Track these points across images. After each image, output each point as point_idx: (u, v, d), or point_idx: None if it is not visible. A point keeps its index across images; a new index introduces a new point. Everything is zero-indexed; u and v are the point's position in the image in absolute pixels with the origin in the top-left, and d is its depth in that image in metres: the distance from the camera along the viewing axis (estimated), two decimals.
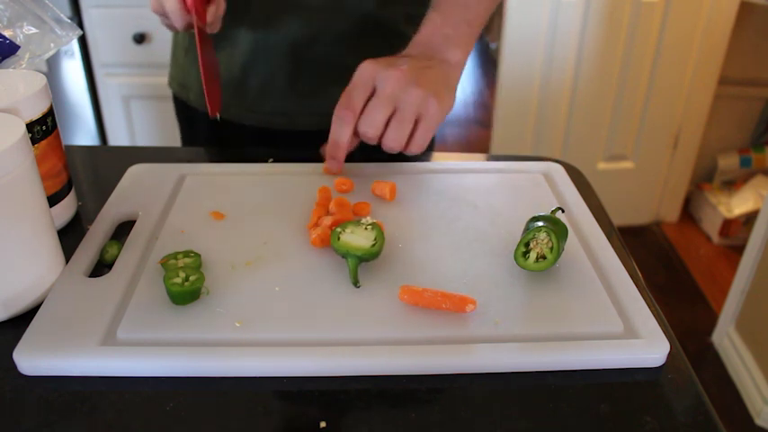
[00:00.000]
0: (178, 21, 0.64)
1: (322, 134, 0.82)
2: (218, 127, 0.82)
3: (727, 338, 1.68)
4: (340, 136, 0.63)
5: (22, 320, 0.49)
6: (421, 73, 0.63)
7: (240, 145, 0.87)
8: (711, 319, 1.81)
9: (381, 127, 0.62)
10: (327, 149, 0.65)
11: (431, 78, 0.63)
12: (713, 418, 0.42)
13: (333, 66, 0.79)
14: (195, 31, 0.63)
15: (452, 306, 0.48)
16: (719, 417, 0.43)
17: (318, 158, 0.70)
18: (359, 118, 0.62)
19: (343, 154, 0.64)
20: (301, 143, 0.85)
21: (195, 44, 0.72)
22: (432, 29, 0.68)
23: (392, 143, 0.62)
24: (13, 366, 0.45)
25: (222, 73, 0.81)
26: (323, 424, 0.41)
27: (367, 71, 0.62)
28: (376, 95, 0.62)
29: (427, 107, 0.62)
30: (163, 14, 0.66)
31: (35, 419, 0.41)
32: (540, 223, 0.53)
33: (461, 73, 0.68)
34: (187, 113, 0.90)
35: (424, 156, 0.76)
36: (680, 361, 0.47)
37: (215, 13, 0.65)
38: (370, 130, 0.62)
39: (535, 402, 0.43)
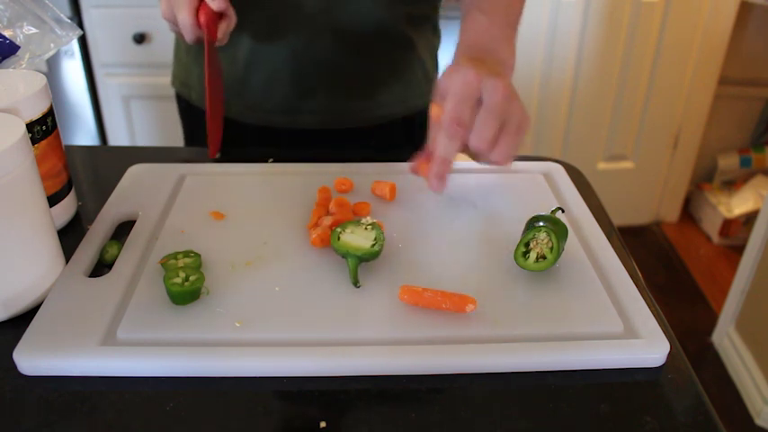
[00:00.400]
0: (189, 34, 0.64)
1: (323, 132, 0.82)
2: (222, 126, 0.82)
3: (727, 338, 1.68)
4: (450, 153, 0.59)
5: (22, 320, 0.49)
6: (509, 81, 0.61)
7: (241, 143, 0.87)
8: (711, 319, 1.81)
9: (494, 142, 0.58)
10: (434, 166, 0.60)
11: (513, 86, 0.62)
12: (713, 418, 0.43)
13: (334, 65, 0.79)
14: (205, 47, 0.63)
15: (452, 306, 0.48)
16: (719, 417, 0.43)
17: (319, 158, 0.70)
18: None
19: (448, 169, 0.60)
20: (303, 142, 0.85)
21: (199, 47, 0.72)
22: (480, 30, 0.68)
23: (499, 157, 0.59)
24: (13, 366, 0.45)
25: (224, 71, 0.81)
26: (323, 424, 0.41)
27: (472, 79, 0.58)
28: (486, 108, 0.58)
29: (525, 119, 0.61)
30: (174, 23, 0.66)
31: (35, 419, 0.41)
32: (540, 223, 0.53)
33: (512, 75, 0.68)
34: (189, 112, 0.90)
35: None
36: (680, 361, 0.47)
37: (225, 29, 0.65)
38: (482, 145, 0.58)
39: (535, 402, 0.43)
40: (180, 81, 0.89)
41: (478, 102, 0.58)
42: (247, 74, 0.81)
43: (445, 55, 0.81)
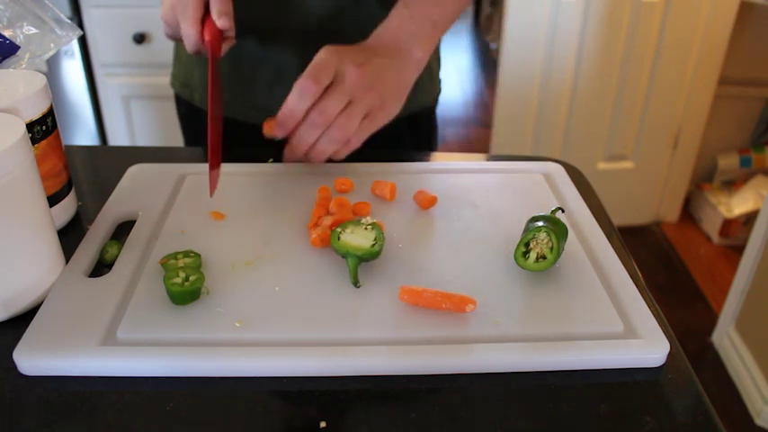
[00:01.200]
0: (191, 47, 0.64)
1: None
2: (223, 126, 0.82)
3: (727, 338, 1.68)
4: (297, 105, 0.61)
5: (22, 320, 0.49)
6: (380, 74, 0.63)
7: (244, 144, 0.87)
8: (711, 319, 1.81)
9: (333, 117, 0.61)
10: (280, 115, 0.62)
11: (388, 81, 0.64)
12: (713, 418, 0.42)
13: None
14: (209, 67, 0.61)
15: (452, 306, 0.48)
16: (719, 417, 0.43)
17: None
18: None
19: (292, 122, 0.62)
20: None
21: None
22: (398, 23, 0.68)
23: (333, 136, 0.62)
24: (13, 366, 0.45)
25: (229, 72, 0.81)
26: (323, 424, 0.41)
27: (330, 60, 0.61)
28: (333, 87, 0.61)
29: (377, 111, 0.63)
30: (174, 28, 0.66)
31: (35, 419, 0.41)
32: (540, 223, 0.53)
33: (419, 73, 0.69)
34: (190, 113, 0.90)
35: (423, 155, 0.76)
36: (680, 361, 0.47)
37: (227, 48, 0.65)
38: (320, 118, 0.61)
39: (535, 402, 0.43)
40: (180, 82, 0.89)
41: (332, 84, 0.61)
42: (253, 74, 0.81)
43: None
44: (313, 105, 0.61)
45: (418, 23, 0.68)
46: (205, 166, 0.69)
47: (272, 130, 0.64)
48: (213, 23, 0.62)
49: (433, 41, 0.70)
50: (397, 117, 0.88)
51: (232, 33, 0.65)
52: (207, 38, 0.62)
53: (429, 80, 0.87)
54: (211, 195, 0.60)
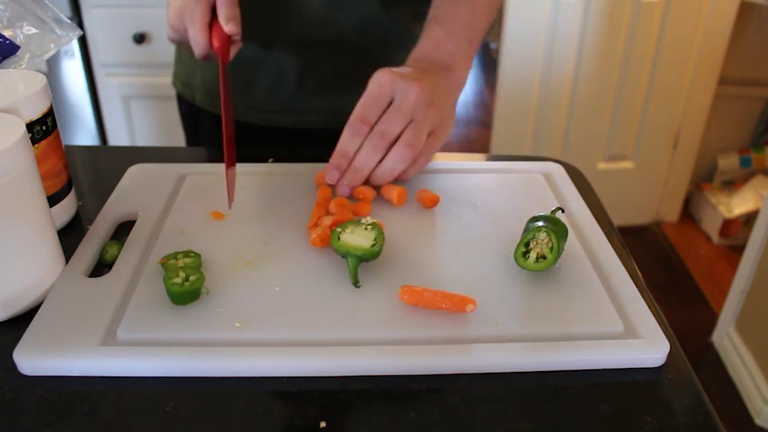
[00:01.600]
0: (200, 51, 0.63)
1: (328, 132, 0.82)
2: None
3: (727, 338, 1.68)
4: (349, 146, 0.60)
5: (22, 320, 0.49)
6: (436, 89, 0.61)
7: (245, 143, 0.87)
8: (711, 319, 1.81)
9: (395, 136, 0.59)
10: (333, 158, 0.61)
11: (443, 97, 0.62)
12: (713, 418, 0.42)
13: (339, 64, 0.79)
14: (220, 75, 0.60)
15: (452, 306, 0.48)
16: (719, 417, 0.43)
17: (321, 157, 0.70)
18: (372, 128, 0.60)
19: (346, 163, 0.61)
20: (307, 141, 0.85)
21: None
22: (435, 43, 0.67)
23: (401, 155, 0.59)
24: (13, 366, 0.45)
25: (230, 72, 0.81)
26: (323, 424, 0.41)
27: (386, 81, 0.59)
28: (394, 107, 0.59)
29: (440, 128, 0.61)
30: (180, 31, 0.65)
31: (35, 419, 0.41)
32: (540, 223, 0.53)
33: (462, 91, 0.67)
34: (192, 113, 0.90)
35: None
36: (680, 361, 0.47)
37: (234, 51, 0.64)
38: (381, 140, 0.59)
39: (535, 402, 0.43)
40: (182, 82, 0.89)
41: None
42: (253, 74, 0.81)
43: None
44: (372, 128, 0.59)
45: (455, 43, 0.67)
46: (205, 166, 0.69)
47: (328, 179, 0.62)
48: (221, 28, 0.61)
49: (471, 58, 0.69)
50: None
51: (239, 37, 0.64)
52: (216, 44, 0.61)
53: None
54: (230, 207, 0.59)
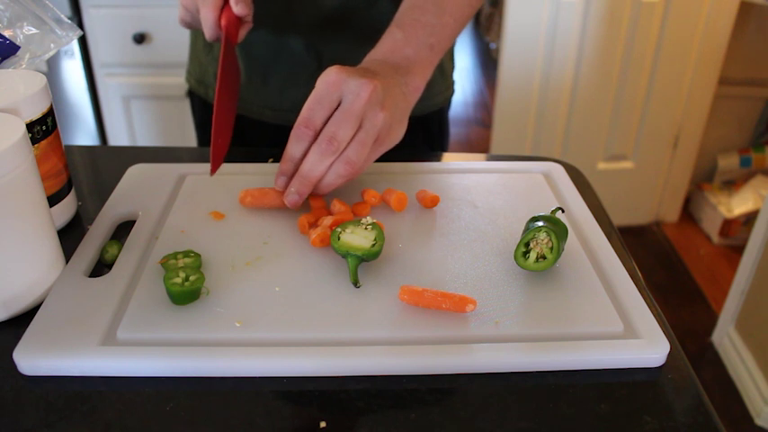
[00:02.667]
0: (209, 31, 0.62)
1: None
2: (237, 124, 0.82)
3: (727, 338, 1.68)
4: (295, 151, 0.57)
5: (22, 320, 0.49)
6: (389, 91, 0.57)
7: (257, 141, 0.86)
8: (711, 319, 1.81)
9: (344, 143, 0.55)
10: (281, 162, 0.58)
11: (395, 101, 0.58)
12: (713, 418, 0.42)
13: (353, 63, 0.79)
14: (221, 50, 0.60)
15: (452, 306, 0.48)
16: (719, 417, 0.43)
17: None
18: (319, 132, 0.56)
19: (293, 168, 0.58)
20: None
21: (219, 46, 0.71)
22: (392, 46, 0.63)
23: (340, 171, 0.56)
24: (13, 366, 0.45)
25: (244, 70, 0.81)
26: (323, 424, 0.41)
27: (335, 80, 0.55)
28: (342, 109, 0.55)
29: (386, 135, 0.57)
30: (191, 11, 0.65)
31: (35, 419, 0.41)
32: (540, 223, 0.53)
33: (416, 100, 0.63)
34: (204, 110, 0.91)
35: (422, 155, 0.76)
36: (680, 361, 0.47)
37: (243, 33, 0.65)
38: (330, 146, 0.55)
39: (535, 402, 0.43)
40: (195, 78, 0.90)
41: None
42: (267, 72, 0.81)
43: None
44: (319, 131, 0.56)
45: (415, 48, 0.63)
46: (205, 166, 0.69)
47: (275, 185, 0.59)
48: (230, 10, 0.62)
49: (432, 65, 0.65)
50: (411, 115, 0.87)
51: (249, 18, 0.64)
52: (223, 22, 0.62)
53: (441, 80, 0.87)
54: (212, 173, 0.58)
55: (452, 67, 0.91)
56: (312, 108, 0.56)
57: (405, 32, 0.64)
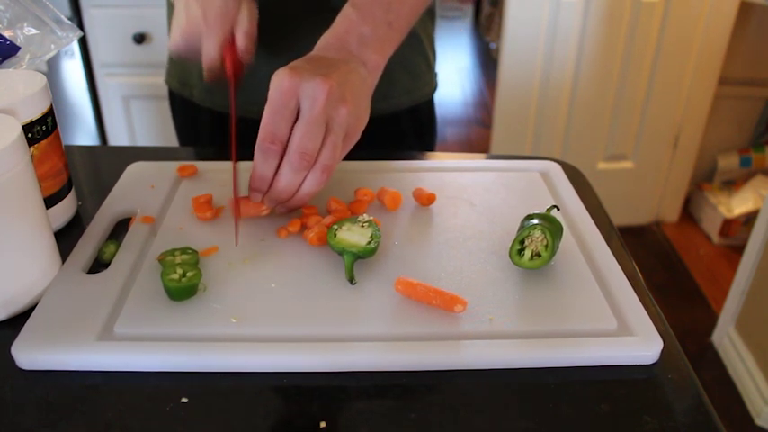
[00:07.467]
0: (210, 73, 0.60)
1: None
2: (224, 123, 0.82)
3: (727, 338, 1.68)
4: (265, 170, 0.54)
5: (20, 320, 0.49)
6: (347, 80, 0.55)
7: (246, 140, 0.86)
8: (711, 319, 1.81)
9: (315, 153, 0.53)
10: (251, 181, 0.56)
11: (355, 89, 0.56)
12: (713, 418, 0.42)
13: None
14: (231, 101, 0.58)
15: (442, 303, 0.48)
16: (719, 417, 0.43)
17: None
18: (287, 145, 0.54)
19: (266, 186, 0.55)
20: None
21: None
22: (347, 26, 0.61)
23: (318, 179, 0.54)
24: (13, 365, 0.45)
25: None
26: (323, 424, 0.41)
27: (288, 86, 0.52)
28: (304, 118, 0.52)
29: (354, 126, 0.56)
30: (190, 40, 0.62)
31: (35, 417, 0.41)
32: (536, 221, 0.54)
33: (377, 79, 0.61)
34: (186, 110, 0.90)
35: (420, 154, 0.76)
36: (679, 360, 0.47)
37: (243, 74, 0.63)
38: (302, 161, 0.52)
39: (535, 402, 0.43)
40: (177, 80, 0.89)
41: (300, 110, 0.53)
42: (254, 68, 0.81)
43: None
44: (291, 146, 0.53)
45: (372, 25, 0.60)
46: (203, 165, 0.69)
47: (254, 200, 0.57)
48: (234, 50, 0.59)
49: (392, 43, 0.62)
50: (400, 109, 0.86)
51: (249, 56, 0.62)
52: (228, 63, 0.59)
53: (428, 70, 0.87)
54: (237, 244, 0.56)
55: (434, 59, 0.91)
56: (272, 121, 0.53)
57: (359, 11, 0.61)
